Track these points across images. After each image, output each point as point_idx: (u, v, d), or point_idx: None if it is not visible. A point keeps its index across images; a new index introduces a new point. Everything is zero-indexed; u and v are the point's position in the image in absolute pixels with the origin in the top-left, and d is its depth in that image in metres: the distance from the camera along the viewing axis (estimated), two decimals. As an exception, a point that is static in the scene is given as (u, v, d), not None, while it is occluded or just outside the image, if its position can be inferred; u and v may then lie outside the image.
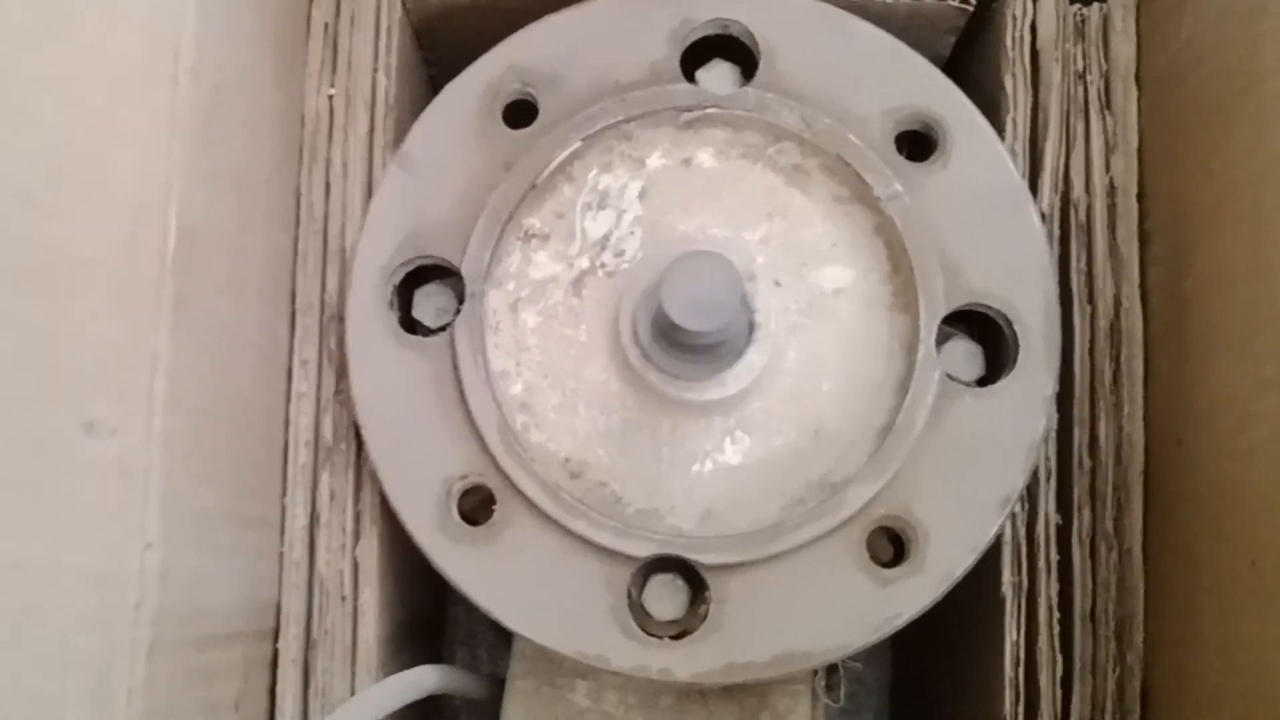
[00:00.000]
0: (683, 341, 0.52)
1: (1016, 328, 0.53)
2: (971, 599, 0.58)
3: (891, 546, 0.53)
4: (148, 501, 0.42)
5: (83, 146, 0.39)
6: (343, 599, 0.56)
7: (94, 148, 0.40)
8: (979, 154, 0.54)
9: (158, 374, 0.42)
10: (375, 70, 0.59)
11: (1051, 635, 0.55)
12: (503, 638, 0.62)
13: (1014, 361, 0.53)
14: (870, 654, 0.79)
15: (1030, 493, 0.56)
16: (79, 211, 0.39)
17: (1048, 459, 0.56)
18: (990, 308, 0.53)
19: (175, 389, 0.43)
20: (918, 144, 0.56)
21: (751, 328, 0.54)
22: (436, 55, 0.66)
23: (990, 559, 0.56)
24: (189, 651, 0.45)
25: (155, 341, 0.42)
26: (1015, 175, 0.54)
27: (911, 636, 0.72)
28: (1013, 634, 0.55)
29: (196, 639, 0.46)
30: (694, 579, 0.53)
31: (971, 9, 0.59)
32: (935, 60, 0.61)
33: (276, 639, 0.56)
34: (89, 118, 0.39)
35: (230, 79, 0.49)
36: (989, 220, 0.53)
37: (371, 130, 0.59)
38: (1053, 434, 0.57)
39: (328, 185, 0.59)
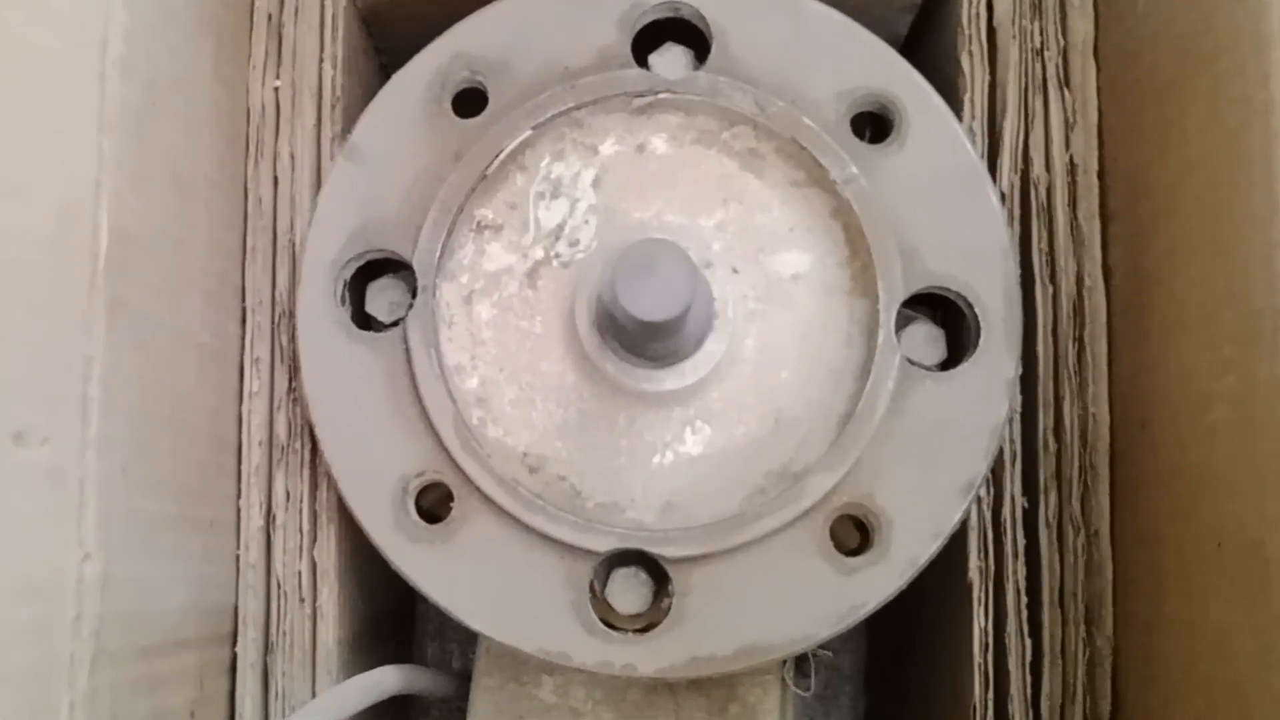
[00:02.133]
0: (638, 332, 0.51)
1: (977, 310, 0.52)
2: (940, 584, 0.57)
3: (858, 533, 0.53)
4: (84, 510, 0.41)
5: (4, 146, 0.38)
6: (301, 600, 0.55)
7: (17, 147, 0.38)
8: (936, 135, 0.53)
9: (91, 379, 0.41)
10: (321, 61, 0.58)
11: (1020, 620, 0.54)
12: (473, 632, 0.61)
13: (975, 345, 0.52)
14: (845, 640, 0.79)
15: (995, 476, 0.55)
16: (2, 214, 0.38)
17: (1012, 441, 0.55)
18: (950, 290, 0.52)
19: (111, 394, 0.42)
20: (876, 126, 0.55)
21: (709, 316, 0.53)
22: (387, 44, 0.65)
23: (957, 544, 0.55)
24: (134, 661, 0.44)
25: (88, 346, 0.41)
26: (973, 156, 0.53)
27: (885, 623, 0.71)
28: (980, 619, 0.54)
29: (143, 648, 0.45)
30: (657, 572, 0.52)
31: (926, -14, 0.58)
32: (893, 39, 0.61)
33: (234, 643, 0.55)
34: (10, 116, 0.38)
35: (165, 73, 0.48)
36: (947, 202, 0.53)
37: (319, 122, 0.58)
38: (1017, 416, 0.56)
39: (275, 179, 0.58)
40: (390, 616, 0.67)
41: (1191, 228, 0.48)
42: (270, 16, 0.58)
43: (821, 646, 0.63)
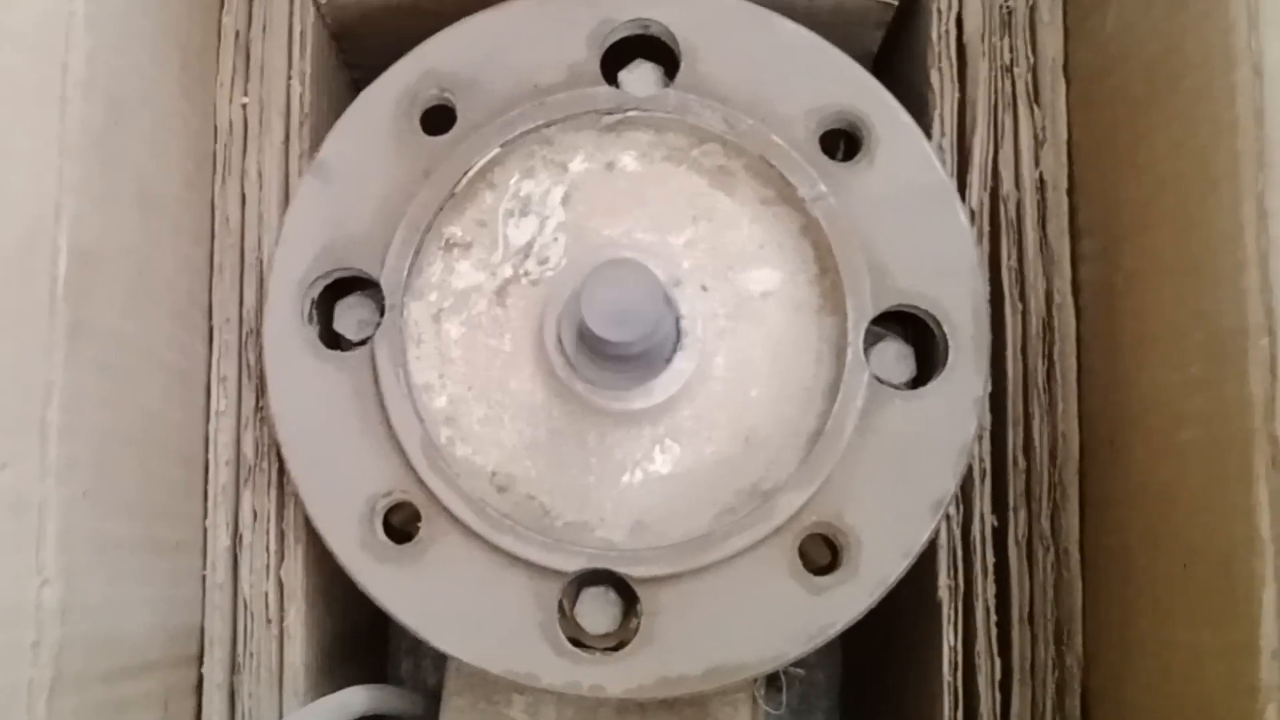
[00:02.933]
0: (606, 351, 0.50)
1: (945, 328, 0.52)
2: (911, 602, 0.57)
3: (829, 551, 0.53)
4: (43, 536, 0.40)
5: (-38, 170, 0.38)
6: (268, 621, 0.55)
7: (-26, 171, 0.38)
8: (904, 152, 0.53)
9: (51, 403, 0.41)
10: (289, 78, 0.58)
11: (989, 638, 0.54)
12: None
13: (944, 363, 0.52)
14: (820, 656, 0.78)
15: (965, 494, 0.55)
16: (-42, 238, 0.37)
17: (982, 460, 0.55)
18: (918, 308, 0.52)
19: (72, 417, 0.42)
20: (850, 143, 0.55)
21: (679, 334, 0.53)
22: (358, 60, 0.64)
23: (927, 562, 0.55)
24: (97, 685, 0.44)
25: (48, 370, 0.41)
26: (941, 173, 0.53)
27: (860, 638, 0.71)
28: (950, 638, 0.54)
29: (105, 672, 0.45)
30: (627, 592, 0.52)
31: (895, 4, 0.58)
32: (864, 56, 0.61)
33: (200, 664, 0.55)
34: (-32, 139, 0.38)
35: (129, 93, 0.47)
36: (916, 219, 0.53)
37: (287, 139, 0.58)
38: (986, 434, 0.56)
39: (243, 197, 0.57)
40: (362, 636, 0.66)
41: (1160, 246, 0.48)
42: (238, 34, 0.58)
43: (796, 663, 0.63)
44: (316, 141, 0.56)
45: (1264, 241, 0.40)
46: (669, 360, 0.53)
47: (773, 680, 0.60)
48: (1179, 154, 0.46)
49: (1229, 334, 0.41)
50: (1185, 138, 0.45)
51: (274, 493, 0.56)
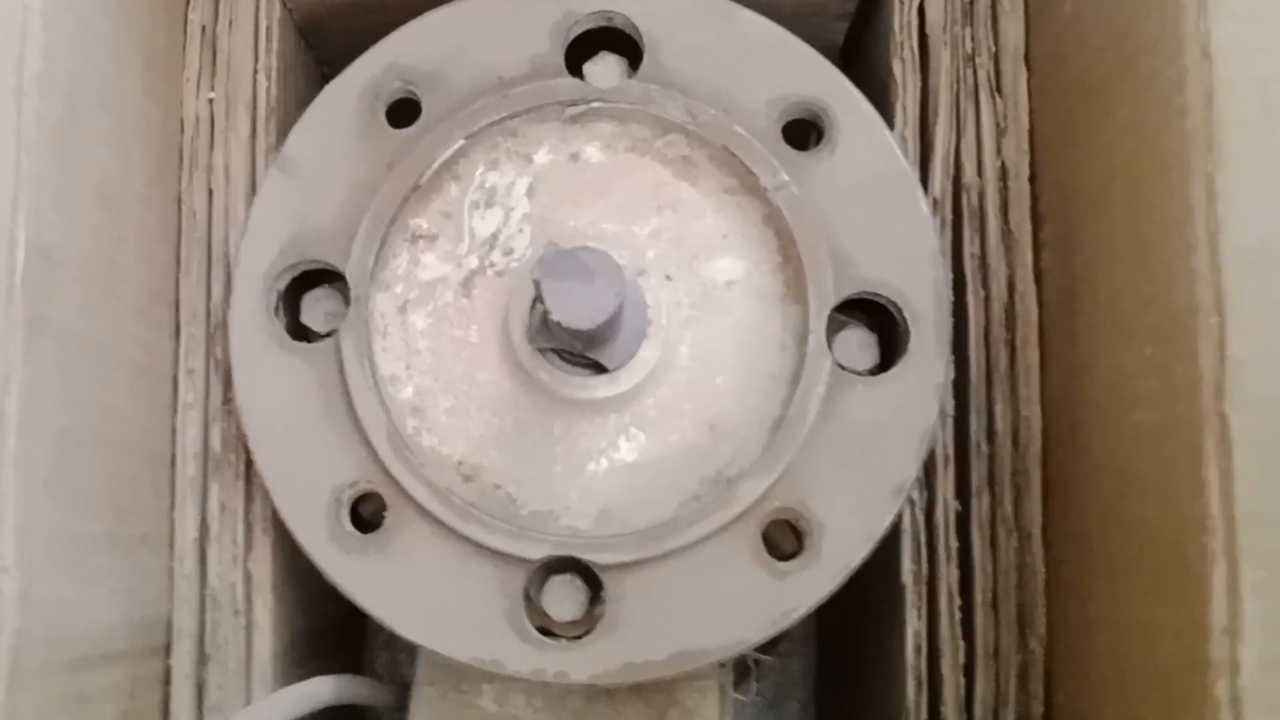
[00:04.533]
0: (568, 340, 0.51)
1: (907, 315, 0.52)
2: (877, 587, 0.58)
3: (795, 538, 0.53)
4: (1, 527, 0.41)
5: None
6: (235, 612, 0.55)
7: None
8: (865, 141, 0.53)
9: (9, 396, 0.41)
10: (256, 72, 0.58)
11: (953, 622, 0.55)
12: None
13: (905, 349, 0.52)
14: (795, 644, 0.79)
15: (929, 479, 0.55)
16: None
17: (945, 445, 0.56)
18: (880, 296, 0.52)
19: (32, 411, 0.42)
20: (810, 132, 0.55)
21: (643, 323, 0.53)
22: (326, 55, 0.65)
23: (891, 548, 0.55)
24: (59, 675, 0.44)
25: (5, 364, 0.41)
26: (902, 162, 0.53)
27: (833, 626, 0.72)
28: (914, 622, 0.55)
29: (68, 662, 0.45)
30: (593, 579, 0.52)
31: (858, -6, 0.58)
32: (829, 47, 0.61)
33: (168, 656, 0.55)
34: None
35: (89, 88, 0.48)
36: (877, 208, 0.53)
37: (254, 134, 0.58)
38: (950, 420, 0.56)
39: (210, 192, 0.58)
40: (335, 628, 0.67)
41: (1115, 230, 0.48)
42: (204, 28, 0.58)
43: (770, 651, 0.63)
44: (283, 136, 0.57)
45: (1213, 223, 0.40)
46: (634, 349, 0.53)
47: (743, 668, 0.61)
48: (1132, 138, 0.46)
49: (1179, 315, 0.42)
50: (1138, 121, 0.46)
51: (242, 485, 0.56)
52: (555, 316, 0.47)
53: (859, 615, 0.63)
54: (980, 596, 0.55)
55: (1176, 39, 0.42)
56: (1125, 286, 0.47)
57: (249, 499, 0.56)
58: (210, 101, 0.58)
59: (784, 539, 0.53)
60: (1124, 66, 0.47)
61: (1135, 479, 0.46)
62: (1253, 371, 0.39)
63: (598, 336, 0.50)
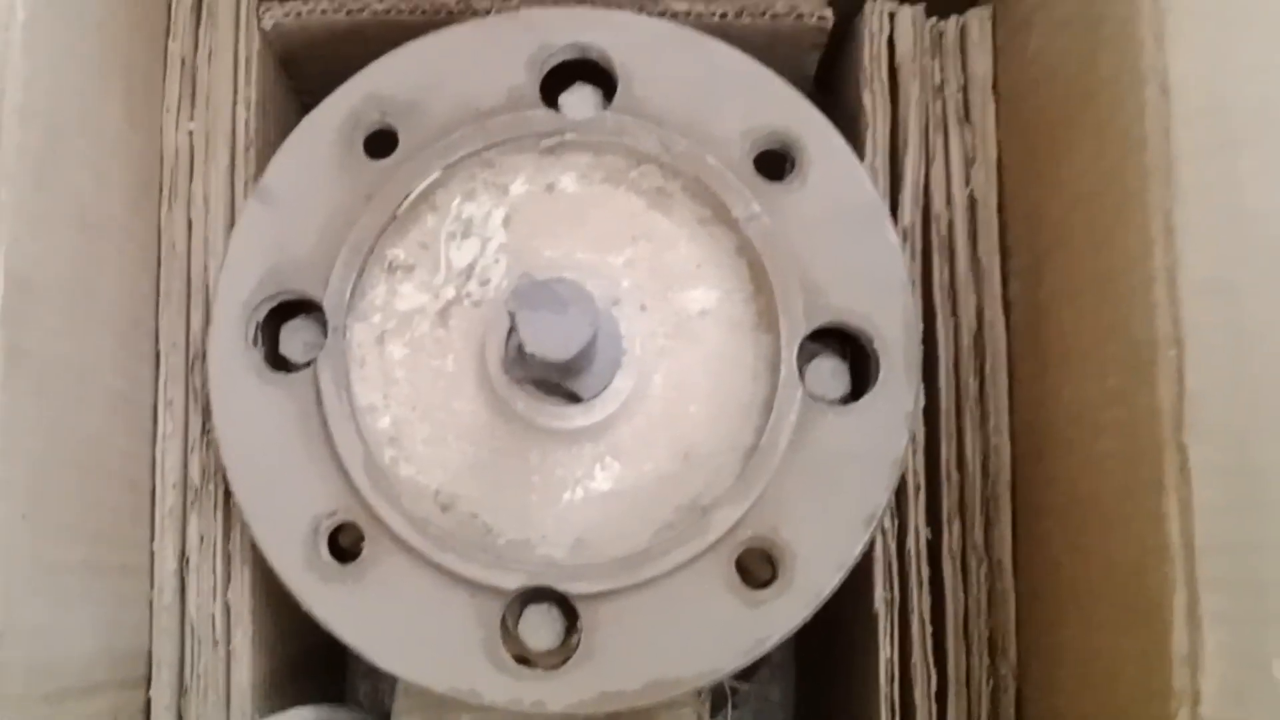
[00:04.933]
0: (544, 370, 0.51)
1: (876, 345, 0.53)
2: (851, 615, 0.58)
3: (768, 565, 0.53)
4: (-20, 556, 0.41)
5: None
6: (215, 643, 0.56)
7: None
8: (836, 172, 0.54)
9: (-13, 424, 0.42)
10: (235, 104, 0.59)
11: (925, 650, 0.55)
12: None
13: (875, 378, 0.53)
14: (774, 671, 0.79)
15: (900, 508, 0.56)
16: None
17: (916, 473, 0.56)
18: (850, 325, 0.53)
19: (10, 441, 0.43)
20: (782, 163, 0.56)
21: (617, 353, 0.54)
22: (307, 85, 0.65)
23: (864, 575, 0.56)
24: (38, 706, 0.45)
25: (-17, 392, 0.42)
26: (872, 192, 0.54)
27: (811, 653, 0.72)
28: (886, 650, 0.55)
29: (46, 694, 0.45)
30: (569, 609, 0.52)
31: (829, 26, 0.59)
32: (802, 78, 0.62)
33: (149, 687, 0.55)
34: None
35: (69, 119, 0.48)
36: (847, 238, 0.53)
37: (233, 165, 0.58)
38: (920, 448, 0.57)
39: (189, 222, 0.58)
40: (316, 658, 0.67)
41: (1079, 261, 0.49)
42: (184, 60, 0.59)
43: (749, 678, 0.64)
44: (262, 167, 0.57)
45: (1171, 256, 0.41)
46: (608, 379, 0.53)
47: (720, 696, 0.61)
48: (1094, 170, 0.47)
49: (1140, 346, 0.42)
50: (1099, 154, 0.46)
51: (220, 515, 0.56)
52: (529, 347, 0.48)
53: (835, 643, 0.63)
54: (952, 624, 0.55)
55: (1135, 73, 0.43)
56: (1088, 317, 0.48)
57: (228, 529, 0.56)
58: (190, 133, 0.58)
59: (757, 567, 0.53)
60: (1086, 99, 0.48)
61: (1100, 508, 0.47)
62: (1211, 403, 0.40)
63: (572, 366, 0.51)
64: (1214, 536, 0.40)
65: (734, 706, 0.64)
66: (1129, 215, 0.43)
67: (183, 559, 0.56)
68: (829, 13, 0.59)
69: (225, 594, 0.56)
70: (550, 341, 0.48)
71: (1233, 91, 0.41)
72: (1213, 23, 0.41)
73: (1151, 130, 0.42)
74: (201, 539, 0.56)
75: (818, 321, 0.53)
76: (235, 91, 0.59)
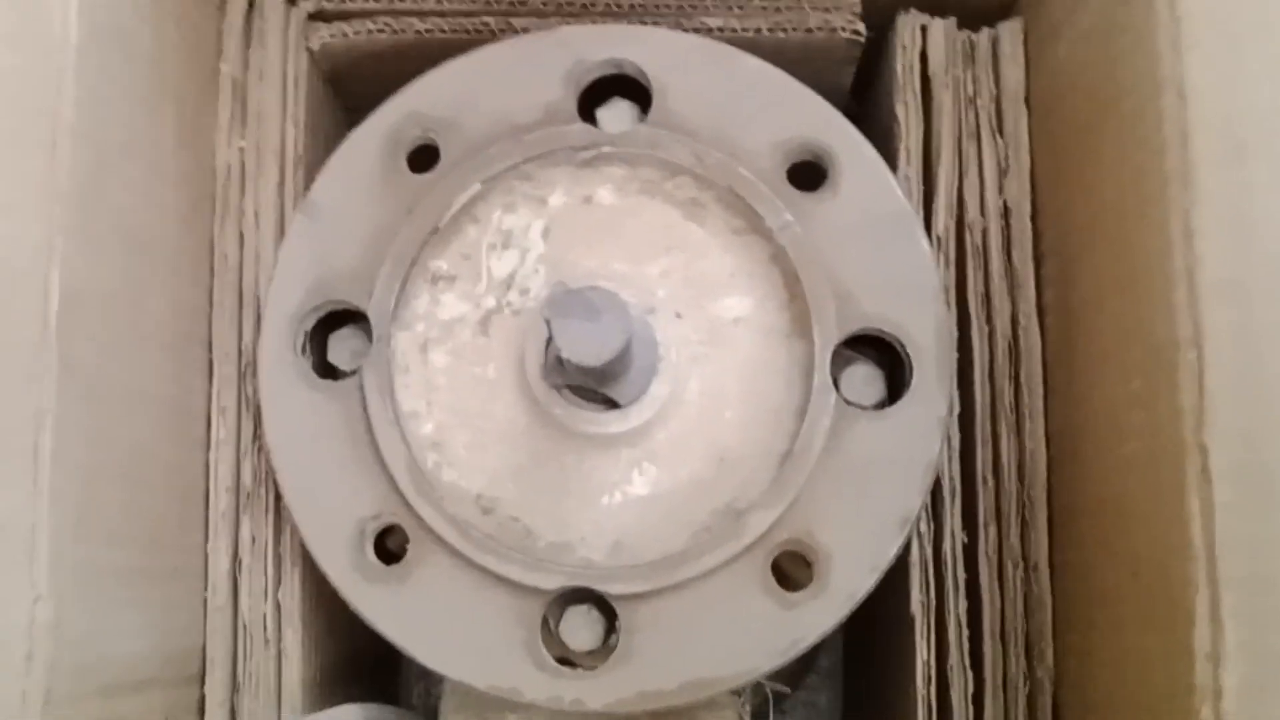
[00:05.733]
0: (580, 376, 0.53)
1: (909, 350, 0.53)
2: (889, 619, 0.59)
3: (804, 567, 0.54)
4: (35, 556, 0.43)
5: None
6: (266, 642, 0.57)
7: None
8: (867, 181, 0.55)
9: (43, 432, 0.43)
10: (284, 121, 0.61)
11: (961, 653, 0.56)
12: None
13: (909, 384, 0.53)
14: (822, 678, 0.80)
15: (935, 512, 0.57)
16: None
17: (952, 478, 0.57)
18: (884, 332, 0.54)
19: (64, 446, 0.44)
20: (814, 174, 0.57)
21: (654, 360, 0.55)
22: (353, 102, 0.67)
23: (901, 579, 0.56)
24: (92, 700, 0.46)
25: (40, 399, 0.44)
26: (903, 201, 0.55)
27: (857, 660, 0.73)
28: (923, 653, 0.56)
29: (100, 687, 0.47)
30: (609, 609, 0.53)
31: (862, 40, 0.60)
32: (838, 90, 0.63)
33: (202, 684, 0.57)
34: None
35: (120, 140, 0.50)
36: (879, 246, 0.54)
37: (281, 181, 0.60)
38: (956, 453, 0.57)
39: (241, 236, 0.60)
40: (368, 657, 0.68)
41: (1105, 266, 0.50)
42: (234, 81, 0.61)
43: (798, 684, 0.64)
44: (310, 182, 0.59)
45: (1190, 258, 0.42)
46: (645, 385, 0.55)
47: (762, 698, 0.62)
48: (1117, 177, 0.48)
49: (1162, 348, 0.43)
50: (1122, 161, 0.47)
51: (271, 518, 0.58)
52: (565, 354, 0.49)
53: (877, 647, 0.64)
54: (988, 627, 0.56)
55: (1154, 82, 0.43)
56: (1114, 321, 0.48)
57: (279, 532, 0.58)
58: (240, 150, 0.60)
59: (792, 569, 0.54)
60: (1109, 108, 0.48)
61: (1127, 509, 0.47)
62: (1231, 403, 0.40)
63: (608, 373, 0.52)
64: (1234, 535, 0.40)
65: (782, 713, 0.65)
66: (1150, 220, 0.44)
67: (235, 560, 0.58)
68: (862, 27, 0.60)
69: (276, 594, 0.58)
70: (584, 348, 0.49)
71: (1248, 98, 0.41)
72: (1228, 32, 0.42)
73: (1170, 136, 0.43)
74: (253, 540, 0.58)
75: (851, 328, 0.54)
76: (284, 110, 0.61)
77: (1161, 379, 0.43)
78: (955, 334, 0.56)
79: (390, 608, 0.54)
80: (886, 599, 0.53)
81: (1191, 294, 0.41)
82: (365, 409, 0.55)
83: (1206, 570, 0.40)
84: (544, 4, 0.61)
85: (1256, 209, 0.40)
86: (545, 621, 0.53)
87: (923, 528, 0.56)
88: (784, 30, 0.60)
